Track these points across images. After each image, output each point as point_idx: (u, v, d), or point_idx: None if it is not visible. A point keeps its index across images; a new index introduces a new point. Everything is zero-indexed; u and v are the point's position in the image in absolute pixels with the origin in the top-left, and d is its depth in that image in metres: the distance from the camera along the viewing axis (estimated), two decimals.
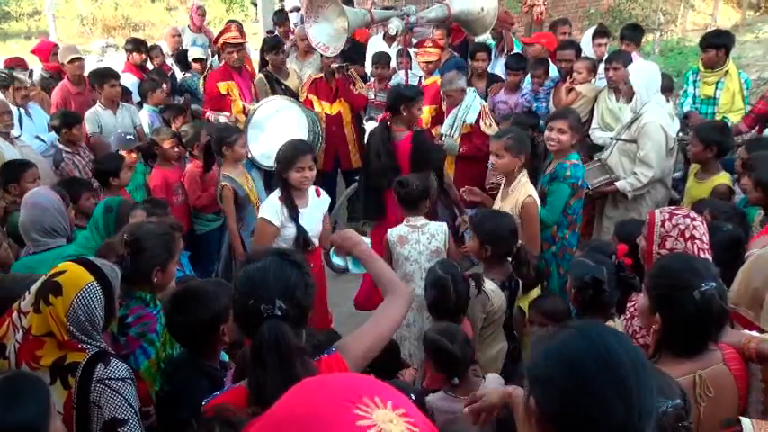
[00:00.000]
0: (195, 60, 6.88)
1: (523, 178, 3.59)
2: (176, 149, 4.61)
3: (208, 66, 6.99)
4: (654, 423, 1.12)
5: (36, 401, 1.57)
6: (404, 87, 4.62)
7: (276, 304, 1.58)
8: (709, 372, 1.78)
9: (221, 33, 5.97)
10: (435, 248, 3.45)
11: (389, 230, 3.52)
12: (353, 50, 6.53)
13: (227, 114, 5.51)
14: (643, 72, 4.38)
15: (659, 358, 1.83)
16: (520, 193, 3.54)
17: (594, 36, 5.87)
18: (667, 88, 5.07)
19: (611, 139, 4.58)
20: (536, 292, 3.29)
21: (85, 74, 5.79)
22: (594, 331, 1.19)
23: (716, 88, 5.13)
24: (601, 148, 4.80)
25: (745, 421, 1.60)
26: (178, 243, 2.54)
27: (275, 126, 5.19)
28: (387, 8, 6.35)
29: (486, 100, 5.46)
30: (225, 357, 2.37)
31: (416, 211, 3.51)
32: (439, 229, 3.50)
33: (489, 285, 2.95)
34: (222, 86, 5.61)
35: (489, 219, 3.28)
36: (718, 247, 2.36)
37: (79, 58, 5.66)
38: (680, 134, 4.76)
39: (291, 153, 3.44)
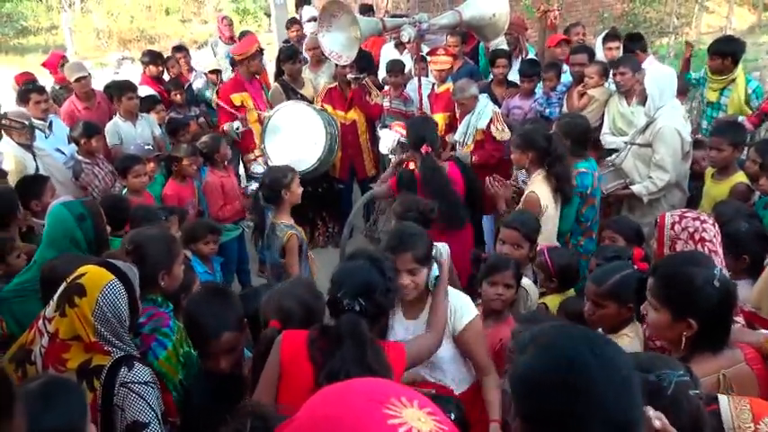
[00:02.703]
0: (212, 72, 6.94)
1: (538, 176, 3.63)
2: (194, 166, 4.64)
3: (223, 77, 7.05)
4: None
5: (73, 405, 1.59)
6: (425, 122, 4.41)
7: (357, 301, 1.92)
8: (732, 371, 1.79)
9: (252, 42, 5.90)
10: None
11: None
12: (363, 60, 6.56)
13: (241, 118, 5.51)
14: (659, 76, 4.34)
15: (692, 360, 1.80)
16: (528, 189, 3.65)
17: (605, 39, 5.85)
18: (682, 91, 5.04)
19: (626, 143, 4.56)
20: (570, 292, 3.18)
21: (98, 88, 5.85)
22: (561, 344, 1.15)
23: (720, 95, 5.11)
24: (611, 152, 4.78)
25: (722, 398, 1.60)
26: (180, 245, 2.59)
27: (292, 130, 5.22)
28: (399, 16, 6.37)
29: (500, 106, 5.46)
30: (248, 354, 2.39)
31: None
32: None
33: (526, 281, 2.95)
34: (236, 98, 5.60)
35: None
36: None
37: (85, 77, 5.60)
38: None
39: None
